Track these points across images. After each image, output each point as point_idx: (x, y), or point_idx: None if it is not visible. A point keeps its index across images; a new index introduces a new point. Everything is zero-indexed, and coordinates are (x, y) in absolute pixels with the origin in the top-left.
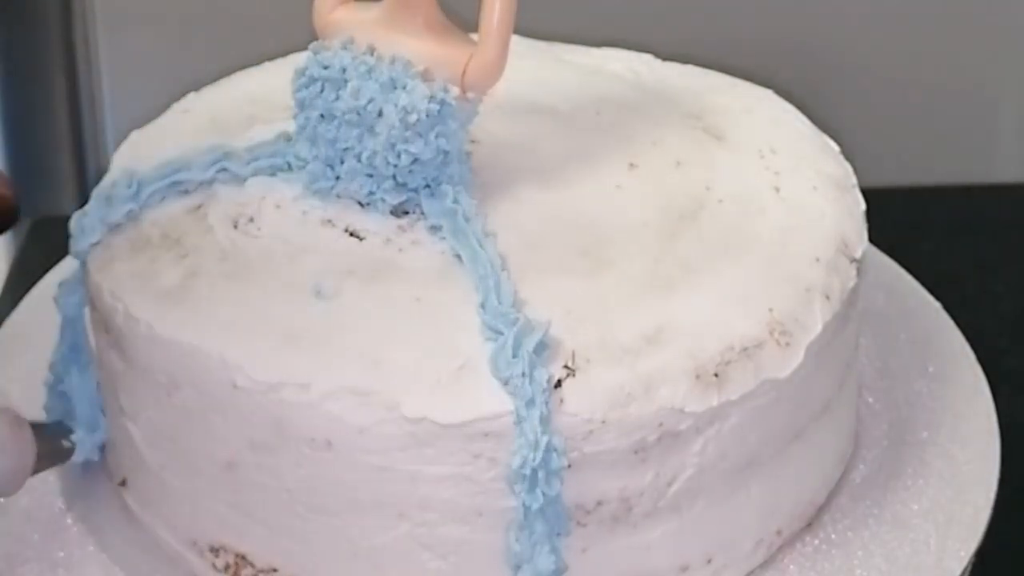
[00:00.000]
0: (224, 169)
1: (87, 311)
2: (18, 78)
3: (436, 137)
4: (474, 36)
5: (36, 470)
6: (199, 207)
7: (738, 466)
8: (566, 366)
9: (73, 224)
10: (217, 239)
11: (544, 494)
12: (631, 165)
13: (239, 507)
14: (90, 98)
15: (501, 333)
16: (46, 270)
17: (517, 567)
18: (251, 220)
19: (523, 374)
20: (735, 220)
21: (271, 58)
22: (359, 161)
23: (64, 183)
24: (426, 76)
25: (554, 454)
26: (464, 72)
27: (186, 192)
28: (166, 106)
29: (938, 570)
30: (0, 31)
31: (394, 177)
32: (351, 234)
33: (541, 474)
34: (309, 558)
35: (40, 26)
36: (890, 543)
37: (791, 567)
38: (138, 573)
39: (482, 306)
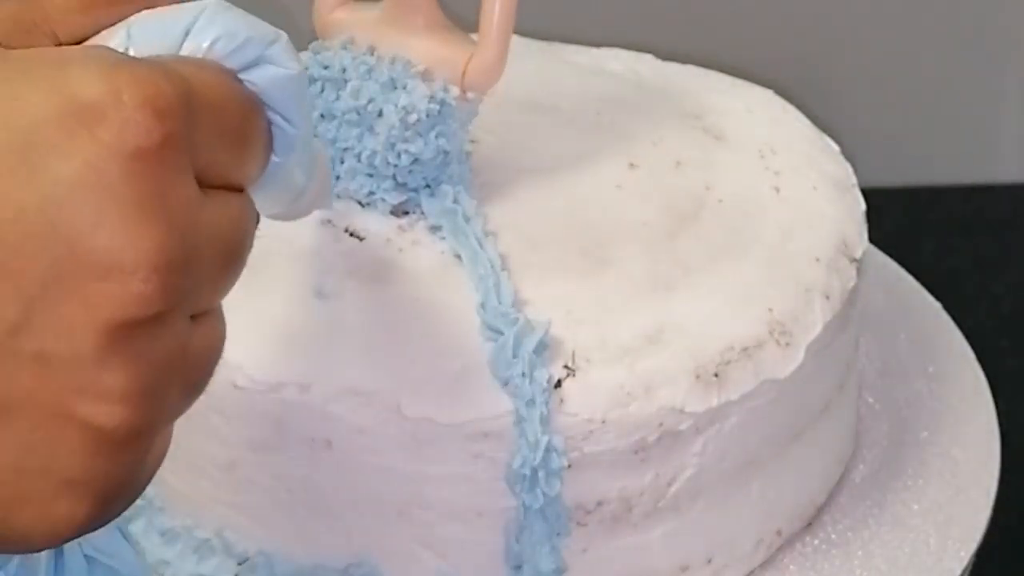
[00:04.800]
0: None
1: None
2: None
3: (436, 137)
4: (474, 36)
5: None
6: None
7: (738, 466)
8: (566, 366)
9: None
10: None
11: (544, 494)
12: (631, 165)
13: (239, 507)
14: None
15: (501, 333)
16: None
17: (517, 567)
18: None
19: (523, 374)
20: (735, 220)
21: None
22: (359, 161)
23: None
24: (426, 76)
25: (554, 454)
26: (464, 72)
27: None
28: None
29: (938, 570)
30: None
31: (394, 177)
32: (351, 234)
33: (541, 474)
34: (309, 557)
35: None
36: (890, 543)
37: (791, 567)
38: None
39: (482, 306)
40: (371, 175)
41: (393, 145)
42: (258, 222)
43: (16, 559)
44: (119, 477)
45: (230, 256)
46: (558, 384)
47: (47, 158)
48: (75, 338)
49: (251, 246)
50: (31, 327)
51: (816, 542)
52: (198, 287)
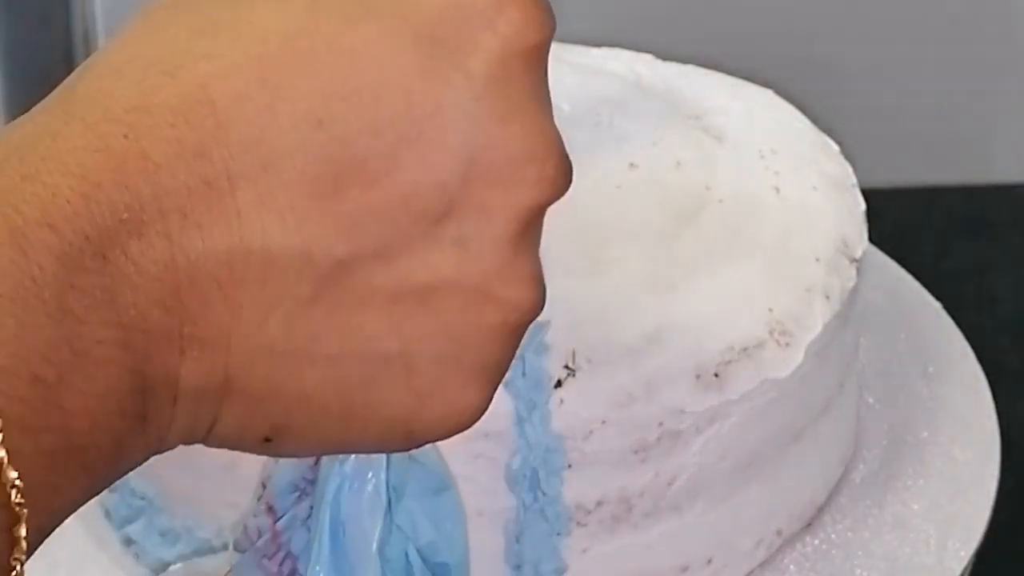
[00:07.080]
0: None
1: None
2: (18, 78)
3: None
4: None
5: None
6: None
7: (738, 466)
8: (566, 366)
9: None
10: None
11: (544, 494)
12: (631, 165)
13: (239, 507)
14: None
15: None
16: None
17: (517, 567)
18: None
19: (523, 374)
20: (735, 220)
21: None
22: None
23: None
24: None
25: (554, 454)
26: None
27: None
28: None
29: (938, 570)
30: (0, 31)
31: None
32: None
33: (541, 474)
34: None
35: (40, 26)
36: (890, 543)
37: (791, 567)
38: (137, 574)
39: None
40: None
41: None
42: None
43: (353, 456)
44: (507, 364)
45: None
46: (558, 384)
47: (456, 54)
48: (494, 223)
49: None
50: (453, 214)
51: (816, 542)
52: None
